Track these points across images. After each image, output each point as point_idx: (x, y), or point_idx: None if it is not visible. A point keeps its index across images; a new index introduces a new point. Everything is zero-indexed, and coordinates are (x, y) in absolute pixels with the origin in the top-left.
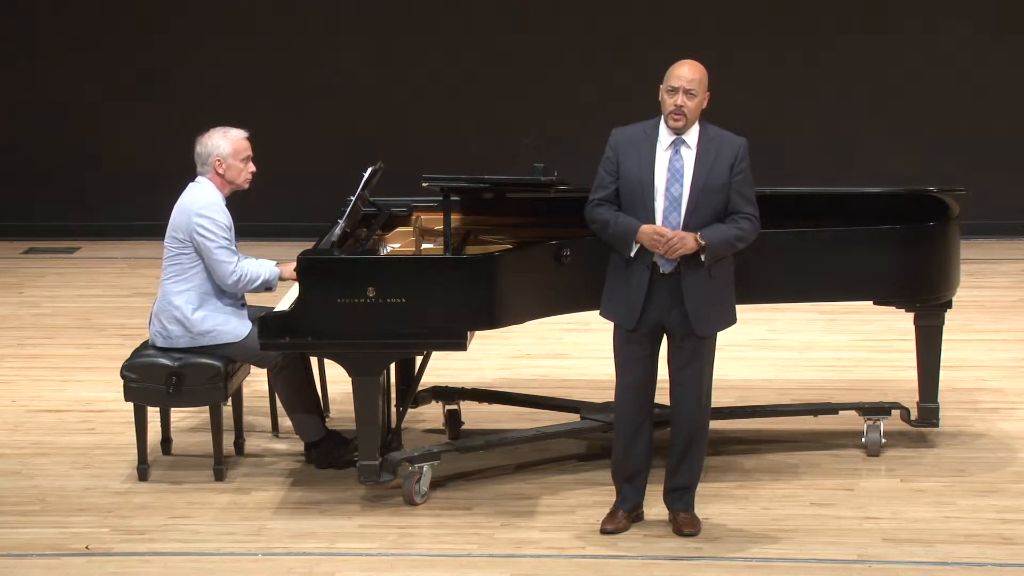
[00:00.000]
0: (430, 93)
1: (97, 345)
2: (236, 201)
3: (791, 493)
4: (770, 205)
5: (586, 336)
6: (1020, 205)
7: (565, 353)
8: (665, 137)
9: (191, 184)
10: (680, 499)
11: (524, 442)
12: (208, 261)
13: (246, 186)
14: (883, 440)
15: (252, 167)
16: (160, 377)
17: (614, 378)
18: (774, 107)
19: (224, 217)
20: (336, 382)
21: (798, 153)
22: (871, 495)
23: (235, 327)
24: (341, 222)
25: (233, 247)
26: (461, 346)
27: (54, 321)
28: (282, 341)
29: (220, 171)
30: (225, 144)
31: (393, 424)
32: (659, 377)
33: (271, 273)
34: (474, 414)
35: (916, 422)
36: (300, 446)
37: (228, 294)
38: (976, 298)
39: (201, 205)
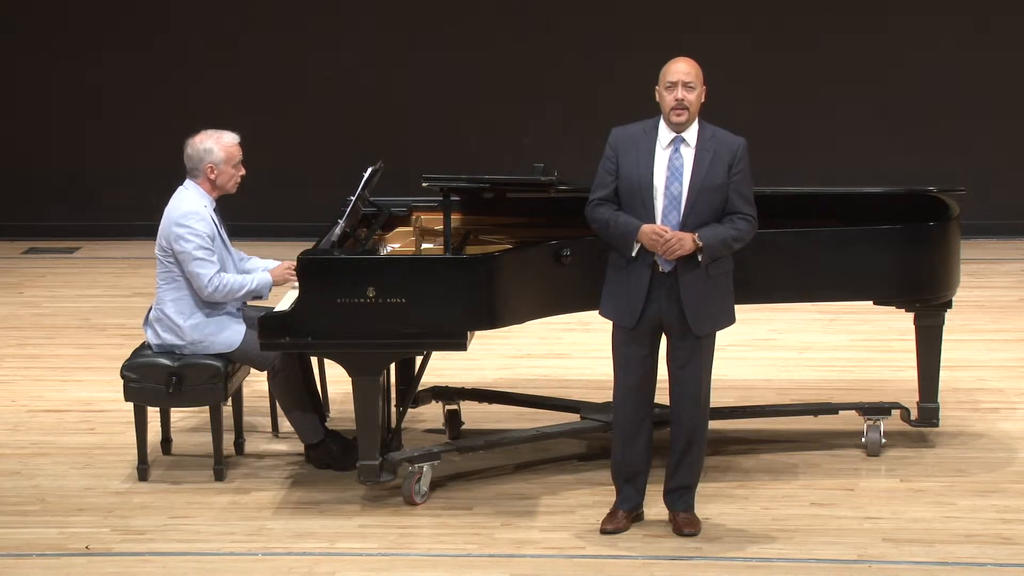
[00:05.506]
0: (430, 93)
1: (97, 345)
2: (236, 200)
3: (791, 493)
4: (770, 205)
5: (586, 336)
6: (1020, 205)
7: (565, 353)
8: (665, 136)
9: (179, 188)
10: (680, 499)
11: (524, 442)
12: (185, 272)
13: (234, 191)
14: (883, 440)
15: (242, 170)
16: (160, 377)
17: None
18: (774, 107)
19: (204, 226)
20: (336, 382)
21: (798, 153)
22: (871, 495)
23: (227, 337)
24: (341, 222)
25: (212, 258)
26: (461, 346)
27: (54, 321)
28: (282, 341)
29: (211, 176)
30: (218, 150)
31: (393, 424)
32: (659, 377)
33: (258, 282)
34: (474, 414)
35: (916, 422)
36: (300, 446)
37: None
38: (976, 298)
39: (181, 214)
